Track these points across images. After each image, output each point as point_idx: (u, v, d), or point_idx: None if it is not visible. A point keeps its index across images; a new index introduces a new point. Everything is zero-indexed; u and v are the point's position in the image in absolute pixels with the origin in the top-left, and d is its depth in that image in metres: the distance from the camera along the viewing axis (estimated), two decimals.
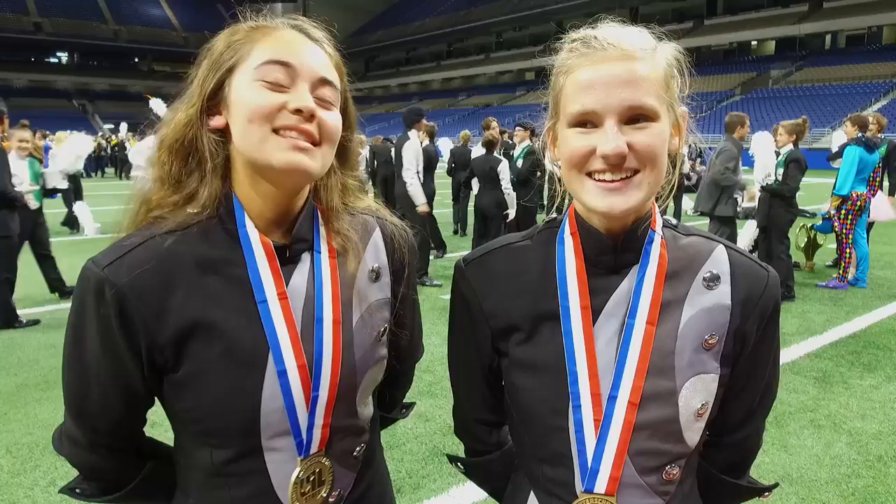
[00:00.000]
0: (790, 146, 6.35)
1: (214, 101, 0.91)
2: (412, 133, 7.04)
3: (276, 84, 0.86)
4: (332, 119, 0.90)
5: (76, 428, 0.95)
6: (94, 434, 0.94)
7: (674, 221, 0.98)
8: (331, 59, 0.93)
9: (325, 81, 0.90)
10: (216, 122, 0.91)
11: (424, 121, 7.30)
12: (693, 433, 0.90)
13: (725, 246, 0.95)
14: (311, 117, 0.87)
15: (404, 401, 1.29)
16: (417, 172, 7.00)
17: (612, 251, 0.92)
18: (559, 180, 0.95)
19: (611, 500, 0.90)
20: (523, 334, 0.95)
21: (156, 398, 0.95)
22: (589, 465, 0.90)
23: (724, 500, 1.08)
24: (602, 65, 0.84)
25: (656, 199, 0.94)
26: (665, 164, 0.87)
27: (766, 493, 1.07)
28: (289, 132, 0.86)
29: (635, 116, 0.84)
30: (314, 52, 0.91)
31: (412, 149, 6.95)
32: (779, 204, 6.36)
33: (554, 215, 1.03)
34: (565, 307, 0.92)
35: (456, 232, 10.97)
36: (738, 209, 6.50)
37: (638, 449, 0.89)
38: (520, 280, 0.97)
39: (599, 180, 0.85)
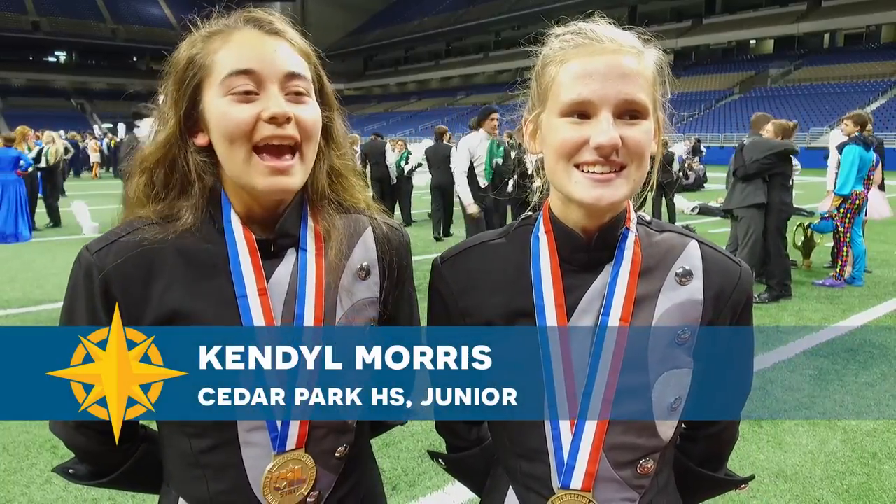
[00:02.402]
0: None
1: (192, 119, 0.91)
2: (474, 132, 6.94)
3: (246, 93, 0.87)
4: (309, 113, 0.91)
5: None
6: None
7: (648, 218, 0.99)
8: (294, 48, 0.92)
9: (293, 75, 0.89)
10: (200, 140, 0.92)
11: (492, 119, 6.92)
12: (667, 427, 0.91)
13: (699, 241, 0.96)
14: (287, 120, 0.87)
15: None
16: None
17: (587, 249, 0.92)
18: (533, 176, 0.95)
19: (587, 496, 0.91)
20: None
21: None
22: (565, 460, 0.91)
23: (701, 493, 1.09)
24: (600, 56, 0.85)
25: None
26: (648, 162, 0.88)
27: (743, 486, 1.08)
28: (269, 154, 0.87)
29: (628, 111, 0.85)
30: (276, 48, 0.89)
31: (465, 145, 6.90)
32: (776, 205, 6.39)
33: (529, 213, 1.03)
34: (540, 305, 0.92)
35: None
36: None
37: (612, 444, 0.90)
38: (495, 278, 0.98)
39: (588, 172, 0.85)
